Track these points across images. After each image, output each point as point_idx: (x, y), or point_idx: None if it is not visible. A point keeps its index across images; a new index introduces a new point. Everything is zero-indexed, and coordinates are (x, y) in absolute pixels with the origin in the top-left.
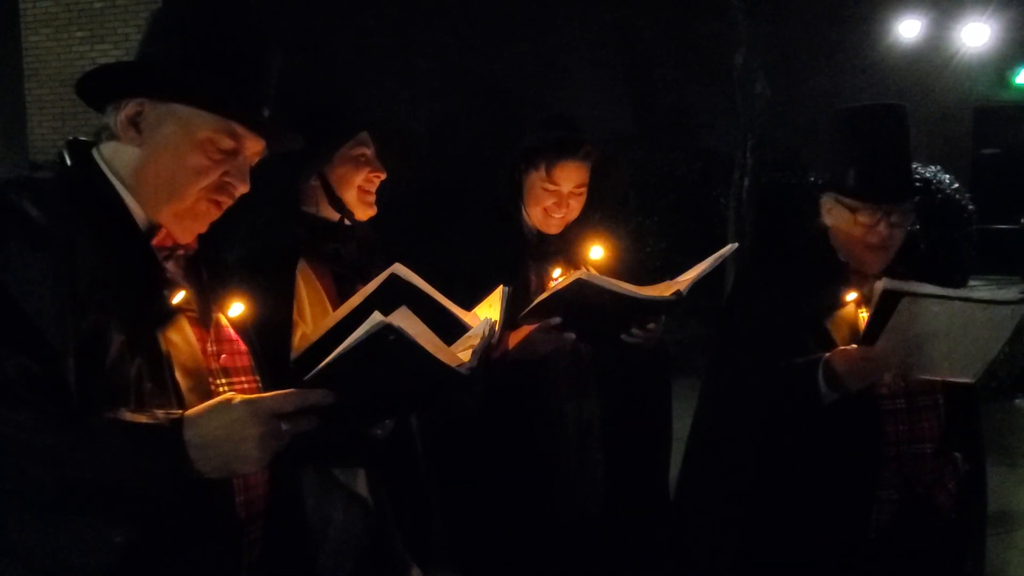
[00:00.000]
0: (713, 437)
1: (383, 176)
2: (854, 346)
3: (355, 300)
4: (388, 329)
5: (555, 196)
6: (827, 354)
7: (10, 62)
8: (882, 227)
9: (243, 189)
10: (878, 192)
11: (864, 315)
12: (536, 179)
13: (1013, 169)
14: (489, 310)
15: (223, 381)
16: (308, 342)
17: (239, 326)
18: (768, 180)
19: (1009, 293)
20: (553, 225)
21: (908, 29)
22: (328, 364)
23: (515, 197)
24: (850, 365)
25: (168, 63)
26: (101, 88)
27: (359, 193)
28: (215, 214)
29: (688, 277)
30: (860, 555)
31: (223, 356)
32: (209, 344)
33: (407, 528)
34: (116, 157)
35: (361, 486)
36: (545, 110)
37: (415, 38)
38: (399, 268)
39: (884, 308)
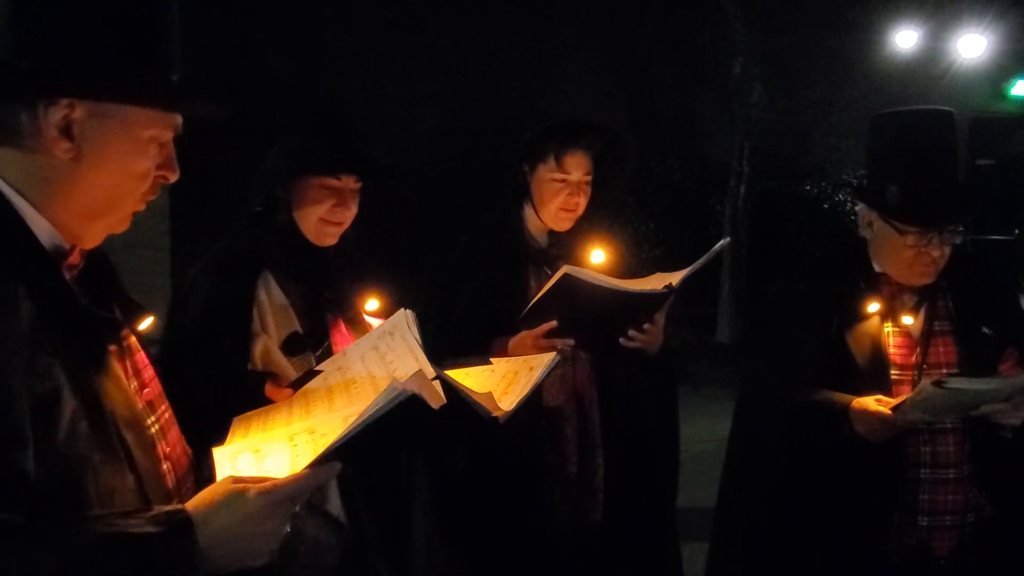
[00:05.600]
0: (745, 458)
1: (352, 211)
2: (873, 406)
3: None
4: (412, 399)
5: (567, 187)
6: (852, 404)
7: None
8: (934, 249)
9: (175, 178)
10: (929, 216)
11: (889, 329)
12: (545, 173)
13: (1008, 180)
14: (529, 372)
15: (152, 420)
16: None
17: (141, 338)
18: (764, 188)
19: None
20: (566, 220)
21: (905, 40)
22: (346, 441)
23: (519, 201)
24: (868, 425)
25: (94, 58)
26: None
27: (319, 223)
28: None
29: (681, 272)
30: None
31: (145, 390)
32: (131, 380)
33: (387, 543)
34: (19, 167)
35: (333, 504)
36: (543, 115)
37: (412, 43)
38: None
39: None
